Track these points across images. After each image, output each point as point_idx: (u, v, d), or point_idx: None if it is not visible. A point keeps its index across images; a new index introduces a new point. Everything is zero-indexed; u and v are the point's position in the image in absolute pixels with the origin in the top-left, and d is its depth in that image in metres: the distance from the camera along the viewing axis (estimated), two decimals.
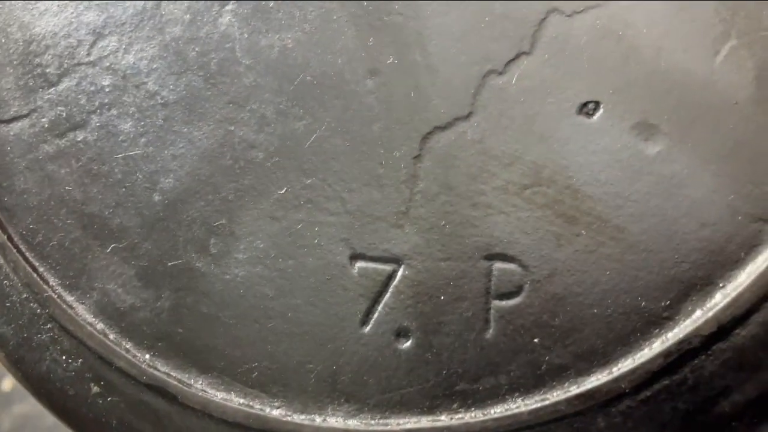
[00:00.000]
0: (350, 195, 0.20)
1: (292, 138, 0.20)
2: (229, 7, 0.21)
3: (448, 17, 0.19)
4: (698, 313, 0.17)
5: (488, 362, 0.18)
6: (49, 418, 0.47)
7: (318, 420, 0.18)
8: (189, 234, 0.20)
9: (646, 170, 0.19)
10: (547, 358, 0.18)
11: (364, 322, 0.19)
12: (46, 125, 0.21)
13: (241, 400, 0.19)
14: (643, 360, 0.17)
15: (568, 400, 0.17)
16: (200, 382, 0.19)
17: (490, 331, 0.18)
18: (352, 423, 0.18)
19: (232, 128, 0.20)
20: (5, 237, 0.21)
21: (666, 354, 0.17)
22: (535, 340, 0.18)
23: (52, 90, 0.22)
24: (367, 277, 0.19)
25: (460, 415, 0.17)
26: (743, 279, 0.17)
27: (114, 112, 0.21)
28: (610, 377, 0.17)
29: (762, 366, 0.17)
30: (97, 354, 0.20)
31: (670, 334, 0.17)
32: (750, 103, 0.19)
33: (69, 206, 0.21)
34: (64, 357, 0.20)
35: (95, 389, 0.20)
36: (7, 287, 0.21)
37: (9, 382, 0.49)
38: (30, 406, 0.48)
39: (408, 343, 0.19)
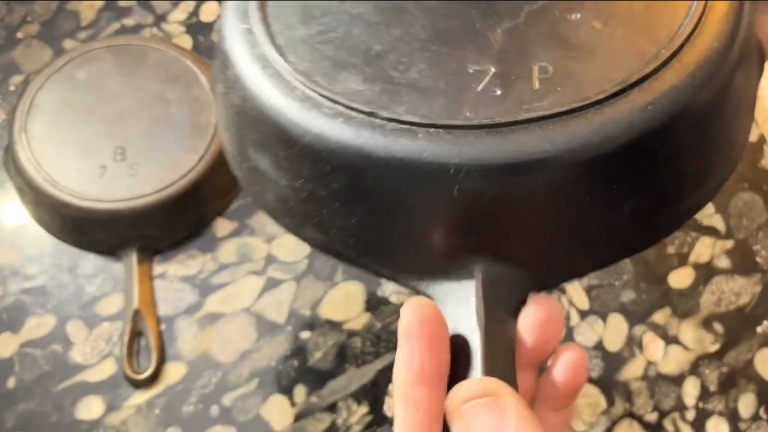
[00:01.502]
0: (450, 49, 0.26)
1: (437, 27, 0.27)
2: None
3: None
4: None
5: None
6: (53, 416, 0.49)
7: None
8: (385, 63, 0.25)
9: None
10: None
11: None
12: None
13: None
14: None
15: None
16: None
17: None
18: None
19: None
20: (284, 62, 0.25)
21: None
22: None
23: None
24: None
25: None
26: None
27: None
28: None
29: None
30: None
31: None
32: None
33: (327, 57, 0.25)
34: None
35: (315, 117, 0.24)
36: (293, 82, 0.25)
37: (13, 380, 0.51)
38: (34, 403, 0.50)
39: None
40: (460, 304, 0.23)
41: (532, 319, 0.24)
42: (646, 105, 0.23)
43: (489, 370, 0.22)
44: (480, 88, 0.24)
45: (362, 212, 0.25)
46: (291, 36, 0.26)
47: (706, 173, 0.26)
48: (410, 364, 0.22)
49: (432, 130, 0.23)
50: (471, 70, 0.25)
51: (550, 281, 0.26)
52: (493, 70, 0.24)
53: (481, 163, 0.22)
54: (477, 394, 0.21)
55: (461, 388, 0.22)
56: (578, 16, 0.26)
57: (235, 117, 0.27)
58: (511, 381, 0.22)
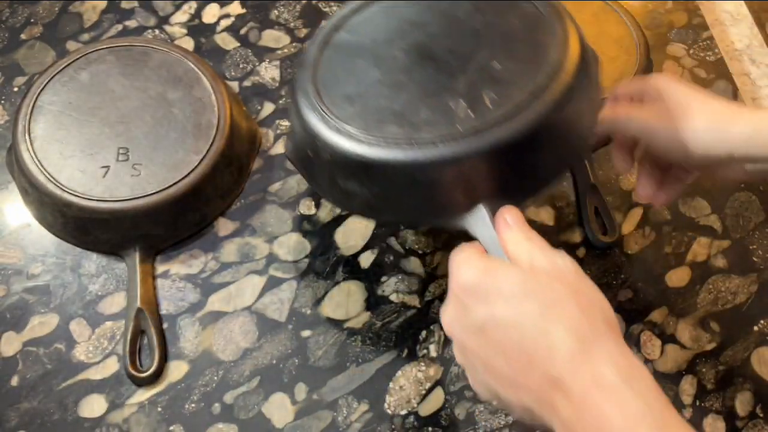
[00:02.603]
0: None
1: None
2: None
3: None
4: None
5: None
6: (56, 414, 0.49)
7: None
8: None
9: None
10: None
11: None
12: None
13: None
14: None
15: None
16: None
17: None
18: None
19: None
20: (352, 128, 0.43)
21: None
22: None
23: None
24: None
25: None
26: None
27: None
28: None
29: None
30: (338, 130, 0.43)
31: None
32: None
33: (373, 120, 0.43)
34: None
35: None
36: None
37: (16, 378, 0.51)
38: (37, 401, 0.51)
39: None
40: (480, 225, 0.41)
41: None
42: (542, 110, 0.41)
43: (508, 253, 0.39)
44: (462, 114, 0.42)
45: (419, 194, 0.42)
46: (348, 114, 0.44)
47: (573, 142, 0.45)
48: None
49: (445, 140, 0.41)
50: (453, 106, 0.42)
51: (514, 202, 0.41)
52: (464, 103, 0.42)
53: (475, 151, 0.41)
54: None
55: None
56: (498, 65, 0.44)
57: (327, 165, 0.44)
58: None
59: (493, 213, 0.41)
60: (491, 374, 0.36)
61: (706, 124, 0.45)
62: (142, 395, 0.51)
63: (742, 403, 0.54)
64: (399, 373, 0.53)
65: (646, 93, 0.49)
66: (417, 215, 0.44)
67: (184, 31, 0.66)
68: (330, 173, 0.45)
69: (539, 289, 0.35)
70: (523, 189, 0.43)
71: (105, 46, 0.59)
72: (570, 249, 0.58)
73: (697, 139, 0.45)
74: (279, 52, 0.66)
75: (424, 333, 0.55)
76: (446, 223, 0.43)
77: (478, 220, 0.41)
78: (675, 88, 0.47)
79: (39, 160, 0.54)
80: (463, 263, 0.38)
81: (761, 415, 0.54)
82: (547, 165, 0.43)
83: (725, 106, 0.46)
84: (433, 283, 0.57)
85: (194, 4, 0.68)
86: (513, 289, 0.35)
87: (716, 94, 0.67)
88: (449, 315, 0.38)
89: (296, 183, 0.60)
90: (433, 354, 0.54)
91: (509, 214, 0.40)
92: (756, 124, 0.44)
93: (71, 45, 0.64)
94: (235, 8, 0.68)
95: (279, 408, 0.52)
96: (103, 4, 0.67)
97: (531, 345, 0.34)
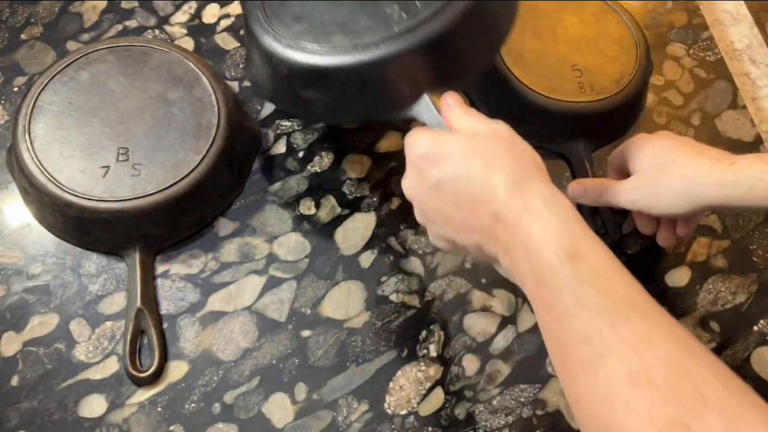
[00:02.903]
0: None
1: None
2: None
3: None
4: None
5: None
6: (56, 414, 0.49)
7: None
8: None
9: None
10: None
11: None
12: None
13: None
14: None
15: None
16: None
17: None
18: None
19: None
20: (304, 42, 0.48)
21: None
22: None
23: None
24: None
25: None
26: None
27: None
28: None
29: None
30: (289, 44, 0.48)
31: None
32: None
33: (322, 34, 0.48)
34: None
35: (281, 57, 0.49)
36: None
37: (17, 378, 0.51)
38: (37, 401, 0.51)
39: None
40: (426, 112, 0.46)
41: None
42: (465, 3, 0.46)
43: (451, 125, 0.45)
44: (396, 17, 0.46)
45: (369, 92, 0.47)
46: (297, 31, 0.49)
47: (495, 31, 0.50)
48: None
49: (385, 41, 0.46)
50: (388, 11, 0.47)
51: (453, 88, 0.47)
52: (396, 6, 0.47)
53: (411, 47, 0.45)
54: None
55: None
56: None
57: (286, 80, 0.49)
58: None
59: (436, 99, 0.46)
60: (448, 224, 0.43)
61: (678, 192, 0.49)
62: (142, 395, 0.51)
63: None
64: (399, 373, 0.53)
65: (627, 162, 0.53)
66: (371, 111, 0.50)
67: (184, 31, 0.66)
68: (290, 87, 0.49)
69: (480, 148, 0.42)
70: (459, 75, 0.49)
71: (105, 46, 0.59)
72: None
73: (676, 207, 0.50)
74: None
75: (424, 333, 0.55)
76: (397, 115, 0.48)
77: (423, 107, 0.46)
78: (647, 157, 0.51)
79: (39, 160, 0.54)
80: (416, 139, 0.44)
81: None
82: (476, 52, 0.49)
83: (695, 167, 0.49)
84: (433, 283, 0.57)
85: (194, 4, 0.68)
86: (459, 151, 0.42)
87: (716, 94, 0.68)
88: (408, 182, 0.45)
89: (296, 183, 0.60)
90: (433, 354, 0.54)
91: (450, 98, 0.46)
92: (728, 190, 0.47)
93: (71, 45, 0.64)
94: (235, 8, 0.68)
95: (279, 408, 0.52)
96: (103, 4, 0.67)
97: (477, 192, 0.41)
